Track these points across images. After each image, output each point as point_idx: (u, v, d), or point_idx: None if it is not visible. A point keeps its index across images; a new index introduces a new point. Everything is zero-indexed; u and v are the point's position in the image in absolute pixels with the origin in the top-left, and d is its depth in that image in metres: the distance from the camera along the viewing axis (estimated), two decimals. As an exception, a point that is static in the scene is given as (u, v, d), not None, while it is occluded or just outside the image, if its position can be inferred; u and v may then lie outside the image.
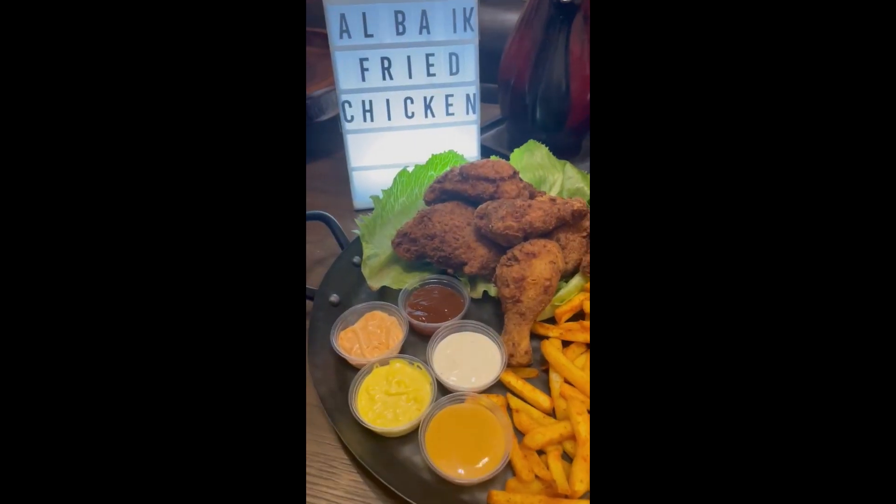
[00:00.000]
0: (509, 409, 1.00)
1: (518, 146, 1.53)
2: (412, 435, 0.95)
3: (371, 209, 1.43)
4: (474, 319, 1.17)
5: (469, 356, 1.07)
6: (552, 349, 1.05)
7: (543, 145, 1.51)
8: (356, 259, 1.33)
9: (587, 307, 1.12)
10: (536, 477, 0.88)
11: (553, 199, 1.20)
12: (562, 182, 1.45)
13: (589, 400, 0.97)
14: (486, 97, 1.65)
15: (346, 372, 1.09)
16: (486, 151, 1.72)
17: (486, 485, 0.87)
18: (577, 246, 1.22)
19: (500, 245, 1.20)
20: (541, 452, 0.92)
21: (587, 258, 1.19)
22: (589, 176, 1.45)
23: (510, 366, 1.06)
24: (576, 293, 1.18)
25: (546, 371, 1.07)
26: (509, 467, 0.90)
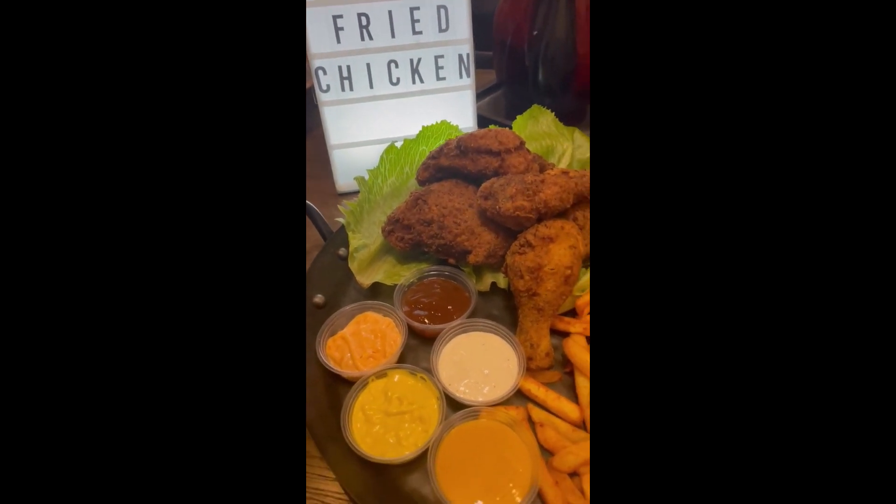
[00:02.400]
0: (531, 423, 0.86)
1: (518, 114, 1.35)
2: (419, 461, 0.80)
3: (356, 192, 1.25)
4: (482, 316, 1.01)
5: (480, 362, 0.91)
6: (576, 347, 0.90)
7: (549, 111, 1.33)
8: (342, 251, 1.16)
9: (613, 296, 0.96)
10: (572, 508, 0.73)
11: (566, 173, 1.03)
12: (571, 152, 1.28)
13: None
14: (478, 63, 1.45)
15: (338, 387, 0.93)
16: (482, 121, 1.53)
17: (510, 518, 0.73)
18: (596, 225, 1.05)
19: (508, 229, 1.03)
20: (573, 475, 0.78)
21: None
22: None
23: (529, 370, 0.91)
24: (598, 280, 1.02)
25: (570, 373, 0.92)
26: (538, 497, 0.75)
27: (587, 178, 1.02)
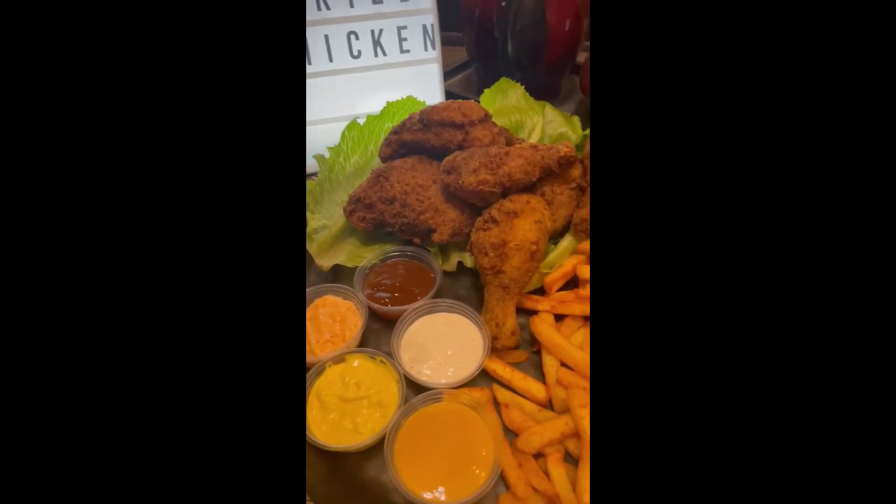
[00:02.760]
0: (496, 405, 0.82)
1: (489, 89, 1.30)
2: (378, 448, 0.76)
3: (317, 173, 1.19)
4: (449, 297, 0.97)
5: (444, 343, 0.87)
6: (543, 326, 0.86)
7: (518, 84, 1.28)
8: (302, 234, 1.10)
9: (582, 272, 0.93)
10: (535, 490, 0.70)
11: (534, 146, 0.99)
12: (542, 126, 1.23)
13: (592, 386, 0.79)
14: (450, 42, 1.40)
15: (294, 374, 0.88)
16: (452, 98, 1.47)
17: None
18: (565, 200, 1.01)
19: (474, 205, 0.99)
20: (538, 456, 0.75)
21: (579, 213, 0.99)
22: (574, 119, 1.24)
23: (494, 350, 0.87)
24: (567, 256, 0.99)
25: (538, 353, 0.89)
26: (501, 480, 0.72)
27: (554, 151, 0.97)
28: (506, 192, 0.95)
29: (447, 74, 1.64)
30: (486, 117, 1.04)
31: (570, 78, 1.62)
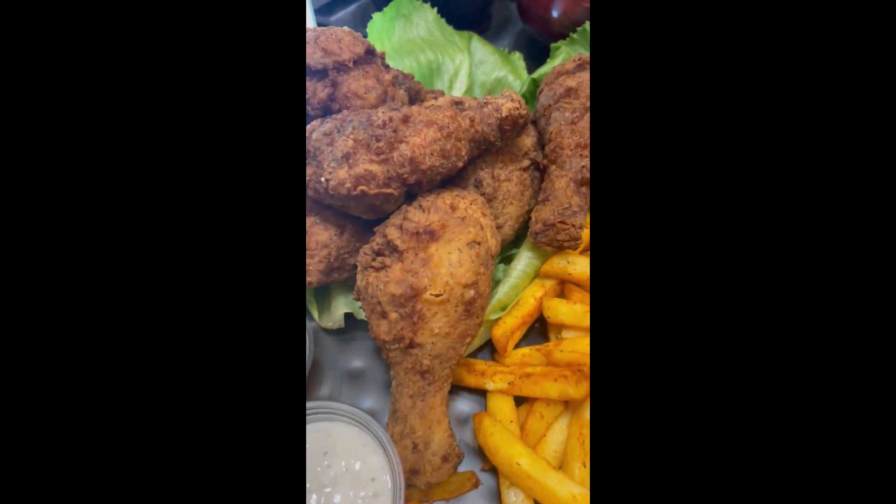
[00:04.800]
0: None
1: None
2: None
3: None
4: (335, 376, 0.62)
5: (320, 484, 0.46)
6: (498, 434, 0.50)
7: (428, 5, 0.84)
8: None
9: (553, 313, 0.55)
10: None
11: (459, 102, 0.56)
12: (469, 69, 0.81)
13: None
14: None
15: None
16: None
17: None
18: (515, 189, 0.62)
19: (357, 217, 0.56)
20: None
21: (539, 213, 0.59)
22: (514, 57, 0.84)
23: (411, 486, 0.48)
24: (525, 284, 0.60)
25: (493, 471, 0.51)
26: None
27: (492, 110, 0.56)
28: (411, 192, 0.52)
29: (329, 6, 1.18)
30: (369, 56, 0.59)
31: (502, 3, 1.19)
